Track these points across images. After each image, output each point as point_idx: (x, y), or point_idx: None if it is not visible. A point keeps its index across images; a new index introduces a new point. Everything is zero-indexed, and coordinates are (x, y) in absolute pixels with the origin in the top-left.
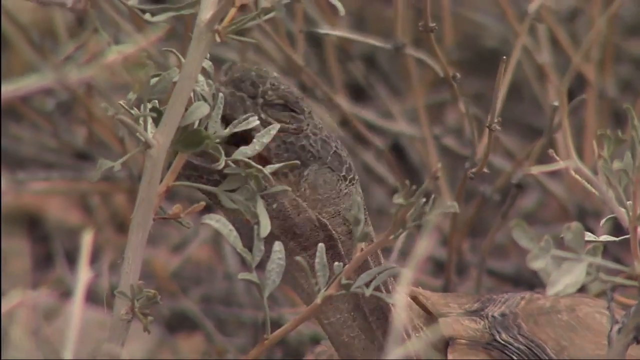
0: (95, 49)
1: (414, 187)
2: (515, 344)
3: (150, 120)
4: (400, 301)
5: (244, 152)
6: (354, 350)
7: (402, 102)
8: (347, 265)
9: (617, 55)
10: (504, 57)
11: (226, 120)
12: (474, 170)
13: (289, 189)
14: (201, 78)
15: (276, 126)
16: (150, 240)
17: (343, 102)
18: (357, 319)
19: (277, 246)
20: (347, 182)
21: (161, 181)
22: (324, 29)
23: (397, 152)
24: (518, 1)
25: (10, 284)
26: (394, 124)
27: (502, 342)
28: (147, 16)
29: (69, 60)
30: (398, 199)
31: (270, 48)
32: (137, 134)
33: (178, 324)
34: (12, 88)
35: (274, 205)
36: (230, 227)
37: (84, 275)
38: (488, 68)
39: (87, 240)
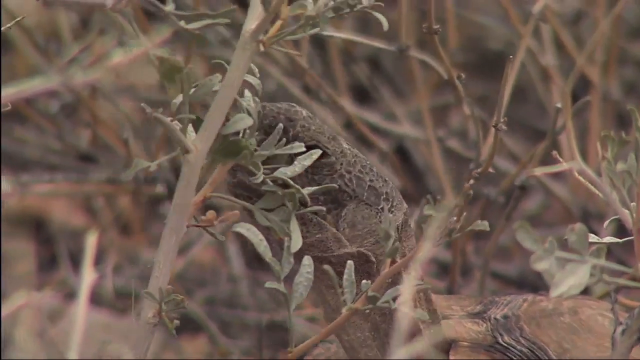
0: (100, 51)
1: (439, 198)
2: (518, 347)
3: (190, 127)
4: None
5: (284, 172)
6: None
7: (406, 104)
8: (375, 280)
9: (621, 58)
10: (511, 57)
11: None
12: (478, 170)
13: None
14: (248, 94)
15: (318, 151)
16: (154, 243)
17: (347, 104)
18: (377, 339)
19: (307, 260)
20: (386, 211)
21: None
22: (328, 31)
23: (402, 154)
24: (522, 3)
25: (14, 286)
26: (398, 126)
27: (505, 344)
28: (182, 23)
29: (73, 63)
30: (428, 210)
31: (274, 50)
32: (176, 138)
33: (182, 325)
34: (16, 90)
35: (317, 236)
36: (261, 236)
37: (88, 276)
38: (492, 70)
39: (91, 241)
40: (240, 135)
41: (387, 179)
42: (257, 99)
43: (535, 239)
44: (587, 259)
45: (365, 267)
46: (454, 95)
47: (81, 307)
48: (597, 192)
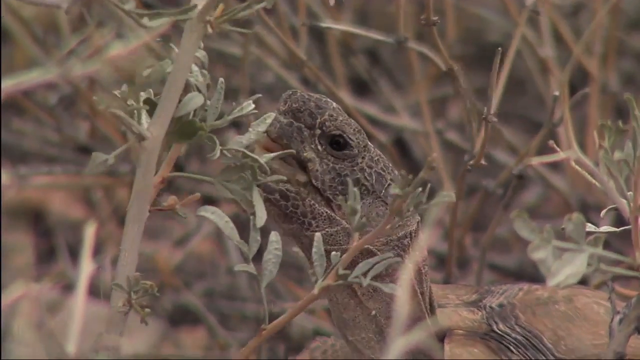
0: (99, 44)
1: (410, 177)
2: (513, 335)
3: (144, 112)
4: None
5: (239, 142)
6: (362, 345)
7: (405, 97)
8: (344, 255)
9: (619, 50)
10: (499, 48)
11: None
12: (471, 162)
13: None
14: (195, 68)
15: (271, 115)
16: (152, 235)
17: (346, 96)
18: (380, 342)
19: (274, 236)
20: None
21: (156, 173)
22: (327, 23)
23: (400, 146)
24: None
25: (12, 278)
26: (396, 118)
27: (500, 332)
28: (145, 21)
29: (72, 55)
30: (394, 189)
31: (273, 42)
32: (131, 126)
33: (181, 318)
34: (15, 82)
35: (327, 230)
36: (227, 219)
37: (86, 266)
38: (490, 62)
39: (89, 233)
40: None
41: (395, 172)
42: (204, 71)
43: (533, 228)
44: (585, 248)
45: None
46: (453, 87)
47: (80, 297)
48: (594, 181)
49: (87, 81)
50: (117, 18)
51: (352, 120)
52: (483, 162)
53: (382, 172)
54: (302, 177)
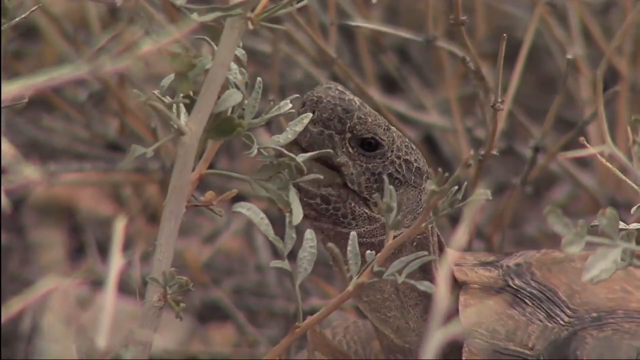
0: (129, 40)
1: (446, 174)
2: (528, 289)
3: (183, 108)
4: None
5: (276, 141)
6: (389, 327)
7: (434, 94)
8: (379, 253)
9: None
10: (504, 35)
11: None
12: (482, 152)
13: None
14: (234, 66)
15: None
16: (182, 231)
17: (375, 93)
18: (396, 300)
19: (309, 234)
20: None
21: (194, 169)
22: (357, 22)
23: (430, 143)
24: None
25: (42, 275)
26: (426, 115)
27: (515, 287)
28: (194, 16)
29: (102, 52)
30: (431, 186)
31: (303, 39)
32: (170, 121)
33: (209, 314)
34: (45, 79)
35: (366, 227)
36: (262, 215)
37: (116, 260)
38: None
39: (119, 227)
40: (232, 110)
41: (415, 148)
42: (243, 69)
43: (566, 223)
44: (618, 243)
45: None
46: (473, 79)
47: (110, 293)
48: (625, 178)
49: (117, 78)
50: (148, 14)
51: (379, 117)
52: (495, 152)
53: (407, 158)
54: (339, 180)
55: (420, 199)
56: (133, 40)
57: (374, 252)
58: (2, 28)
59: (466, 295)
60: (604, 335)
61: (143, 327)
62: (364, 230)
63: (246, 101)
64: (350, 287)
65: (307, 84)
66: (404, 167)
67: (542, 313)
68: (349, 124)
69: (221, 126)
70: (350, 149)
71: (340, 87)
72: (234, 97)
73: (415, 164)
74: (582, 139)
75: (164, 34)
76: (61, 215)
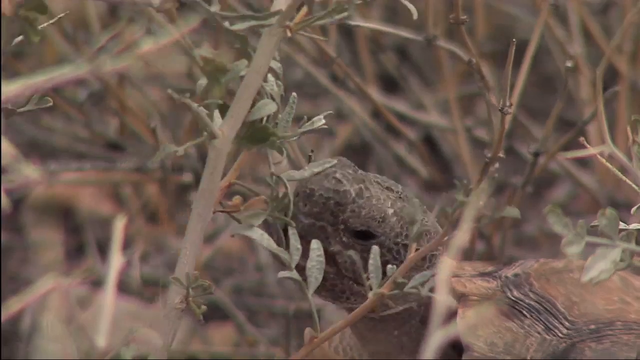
0: (129, 40)
1: (466, 183)
2: (526, 300)
3: (215, 112)
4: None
5: (291, 176)
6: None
7: (434, 94)
8: (399, 267)
9: None
10: (513, 40)
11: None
12: (489, 154)
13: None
14: (271, 78)
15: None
16: (182, 231)
17: (375, 93)
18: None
19: (315, 244)
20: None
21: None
22: (356, 21)
23: (429, 143)
24: None
25: (42, 274)
26: (425, 115)
27: (514, 298)
28: (226, 24)
29: (102, 51)
30: (458, 195)
31: (302, 39)
32: (204, 123)
33: (209, 314)
34: (45, 78)
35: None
36: (261, 231)
37: (116, 260)
38: (519, 59)
39: (119, 227)
40: (265, 120)
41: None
42: (279, 82)
43: (566, 223)
44: (618, 244)
45: (409, 318)
46: (476, 82)
47: (109, 292)
48: (625, 178)
49: (117, 77)
50: (148, 14)
51: (376, 207)
52: (501, 154)
53: (406, 242)
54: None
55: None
56: (133, 40)
57: (394, 266)
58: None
59: (465, 307)
60: (602, 347)
61: (164, 328)
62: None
63: (280, 115)
64: (371, 297)
65: (307, 83)
66: (402, 253)
67: (541, 325)
68: (341, 217)
69: (255, 134)
70: (344, 238)
71: (338, 175)
72: (269, 107)
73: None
74: (582, 138)
75: (164, 33)
76: (61, 214)
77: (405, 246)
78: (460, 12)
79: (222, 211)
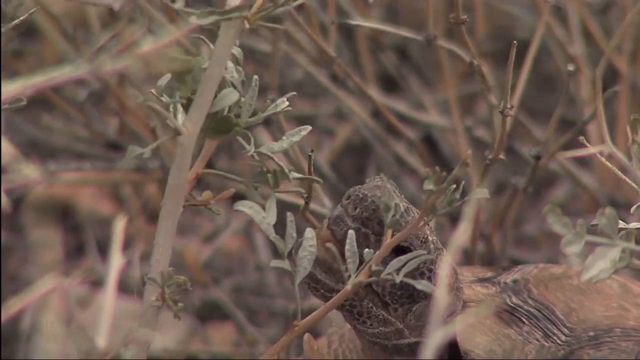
0: (129, 40)
1: (444, 174)
2: (525, 307)
3: (180, 108)
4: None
5: (271, 148)
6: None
7: (434, 93)
8: (377, 252)
9: None
10: (515, 42)
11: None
12: (490, 156)
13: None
14: (230, 65)
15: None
16: (181, 231)
17: (375, 93)
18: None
19: (309, 233)
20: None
21: (191, 168)
22: (356, 20)
23: (429, 143)
24: None
25: (41, 275)
26: (425, 115)
27: (512, 305)
28: (193, 19)
29: (102, 51)
30: (428, 185)
31: (302, 39)
32: (167, 120)
33: (209, 314)
34: (44, 78)
35: (381, 329)
36: (263, 213)
37: (116, 260)
38: (519, 59)
39: (119, 227)
40: (227, 110)
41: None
42: (239, 68)
43: (565, 222)
44: (617, 243)
45: (417, 349)
46: (478, 83)
47: (110, 292)
48: (625, 178)
49: (117, 77)
50: (148, 14)
51: (424, 229)
52: (502, 156)
53: (439, 272)
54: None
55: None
56: (133, 40)
57: (372, 250)
58: (2, 30)
59: (464, 314)
60: (601, 354)
61: (142, 326)
62: (377, 332)
63: (243, 100)
64: (348, 286)
65: (306, 83)
66: (432, 281)
67: (539, 332)
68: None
69: (218, 125)
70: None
71: (389, 187)
72: (230, 96)
73: (445, 280)
74: (581, 138)
75: (164, 33)
76: (60, 214)
77: (436, 275)
78: (460, 11)
79: (193, 205)
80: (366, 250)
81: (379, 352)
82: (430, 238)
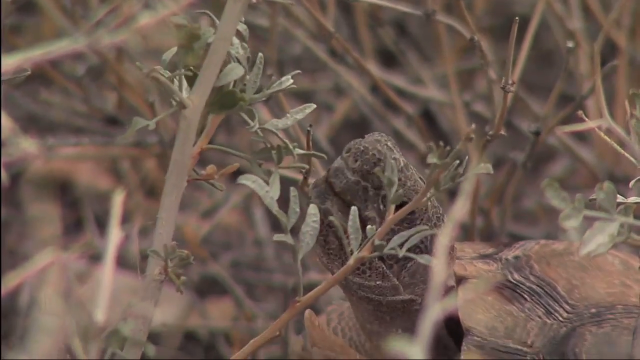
0: (127, 13)
1: (447, 148)
2: (527, 284)
3: (185, 82)
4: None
5: (275, 124)
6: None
7: (433, 68)
8: (380, 228)
9: None
10: (516, 18)
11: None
12: (491, 132)
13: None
14: (236, 41)
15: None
16: (180, 206)
17: (373, 68)
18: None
19: (313, 209)
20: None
21: (195, 143)
22: None
23: (427, 118)
24: None
25: (40, 249)
26: (424, 90)
27: (514, 281)
28: None
29: (100, 25)
30: (432, 159)
31: (301, 14)
32: (172, 94)
33: (208, 288)
34: (43, 53)
35: (378, 282)
36: (267, 188)
37: (114, 235)
38: (518, 34)
39: (117, 202)
40: (233, 85)
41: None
42: (245, 44)
43: (564, 197)
44: (616, 217)
45: (409, 307)
46: (478, 58)
47: (108, 266)
48: (623, 152)
49: (115, 52)
50: None
51: (419, 182)
52: (503, 132)
53: (436, 227)
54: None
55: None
56: (131, 14)
57: (374, 227)
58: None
59: (465, 290)
60: (602, 331)
61: (144, 300)
62: (374, 285)
63: (248, 76)
64: (350, 262)
65: (305, 58)
66: (428, 238)
67: (541, 309)
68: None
69: (223, 100)
70: (381, 206)
71: (390, 143)
72: (235, 71)
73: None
74: (580, 113)
75: (162, 6)
76: (59, 189)
77: (434, 235)
78: None
79: (196, 179)
80: (368, 227)
81: (370, 316)
82: (430, 202)
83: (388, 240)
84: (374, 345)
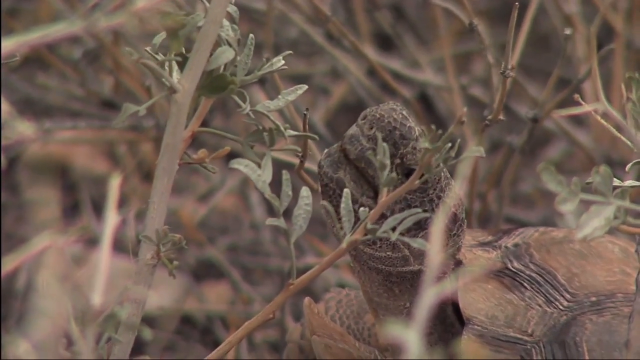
0: None
1: (440, 131)
2: (527, 272)
3: (175, 66)
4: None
5: (266, 106)
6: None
7: (429, 52)
8: (372, 211)
9: None
10: (517, 3)
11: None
12: (489, 117)
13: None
14: (226, 23)
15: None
16: (177, 190)
17: (370, 51)
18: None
19: (305, 192)
20: (453, 235)
21: (186, 127)
22: None
23: (424, 101)
24: None
25: (37, 233)
26: (421, 73)
27: (514, 270)
28: None
29: (96, 8)
30: (424, 143)
31: None
32: (162, 78)
33: (204, 272)
34: (39, 36)
35: (388, 254)
36: (259, 172)
37: (111, 219)
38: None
39: (114, 185)
40: (222, 69)
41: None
42: (235, 26)
43: (560, 180)
44: (612, 201)
45: (418, 279)
46: (475, 42)
47: (105, 249)
48: (620, 135)
49: (112, 35)
50: None
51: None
52: (502, 116)
53: (444, 198)
54: (374, 200)
55: (448, 243)
56: None
57: (367, 209)
58: None
59: (465, 278)
60: (603, 320)
61: (137, 284)
62: (384, 256)
63: (239, 58)
64: (343, 244)
65: (301, 42)
66: (435, 208)
67: (541, 297)
68: (401, 151)
69: (213, 83)
70: (395, 175)
71: (405, 112)
72: (226, 54)
73: (452, 209)
74: (576, 96)
75: None
76: (56, 173)
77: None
78: None
79: (188, 163)
80: (361, 209)
81: (379, 288)
82: (443, 173)
83: (401, 210)
84: (379, 319)
